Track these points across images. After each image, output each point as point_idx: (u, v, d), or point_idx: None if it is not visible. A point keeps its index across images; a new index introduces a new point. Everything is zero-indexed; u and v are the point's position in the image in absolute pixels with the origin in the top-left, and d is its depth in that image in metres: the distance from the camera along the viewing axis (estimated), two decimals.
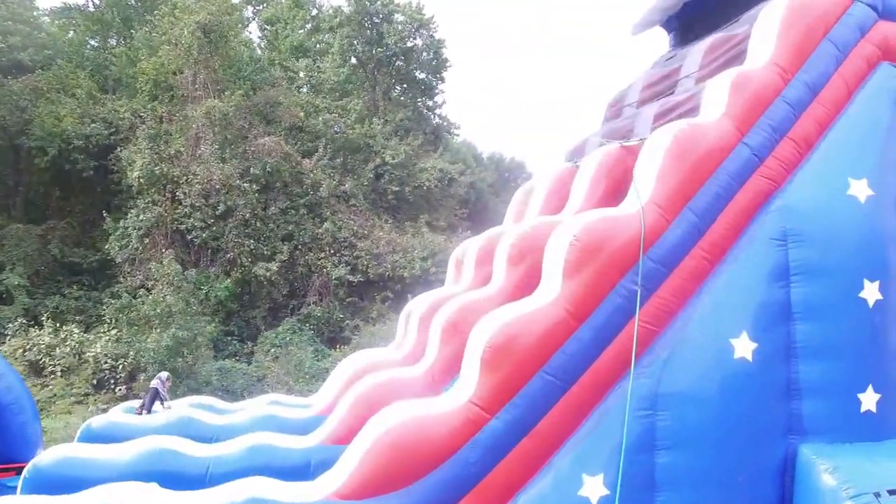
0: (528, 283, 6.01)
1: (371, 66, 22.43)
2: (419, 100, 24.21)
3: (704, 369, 4.77)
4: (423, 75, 23.62)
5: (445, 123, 24.85)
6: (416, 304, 7.02)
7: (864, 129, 5.52)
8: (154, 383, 7.17)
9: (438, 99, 24.13)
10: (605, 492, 4.46)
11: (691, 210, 4.97)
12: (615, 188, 6.30)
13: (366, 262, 17.51)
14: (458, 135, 26.02)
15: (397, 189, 20.26)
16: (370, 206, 20.00)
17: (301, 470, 5.35)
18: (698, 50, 6.74)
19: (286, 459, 5.45)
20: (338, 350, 14.73)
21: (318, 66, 23.44)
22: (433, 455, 4.27)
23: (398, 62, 22.83)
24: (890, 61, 5.76)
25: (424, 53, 23.00)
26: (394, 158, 20.11)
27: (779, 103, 5.31)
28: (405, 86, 23.72)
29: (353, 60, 22.69)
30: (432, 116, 24.58)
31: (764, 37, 5.53)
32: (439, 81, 23.68)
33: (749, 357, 4.85)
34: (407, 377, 6.33)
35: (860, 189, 5.27)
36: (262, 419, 6.51)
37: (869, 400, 5.19)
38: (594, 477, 4.48)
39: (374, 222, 18.95)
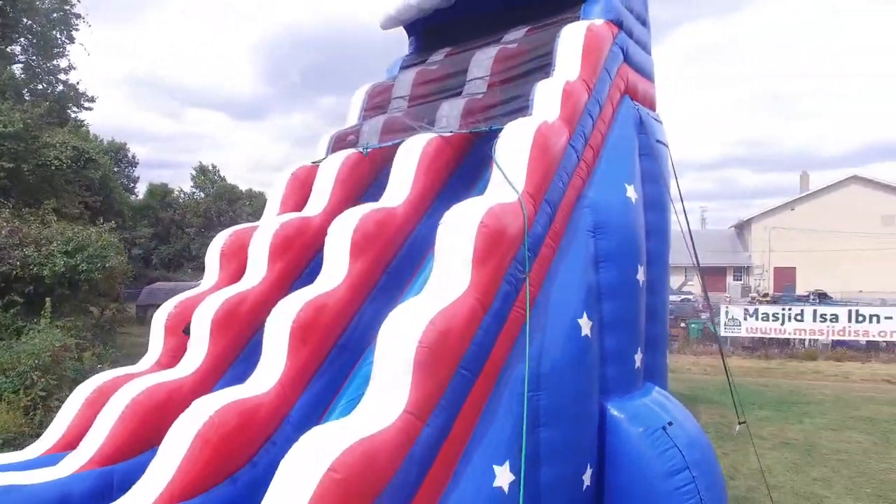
0: (370, 275, 5.60)
1: None
2: (34, 58, 19.16)
3: (564, 347, 5.20)
4: (41, 28, 18.73)
5: (74, 94, 20.22)
6: (203, 310, 5.67)
7: (625, 144, 6.78)
8: None
9: (64, 62, 19.51)
10: (511, 477, 4.48)
11: (547, 201, 5.37)
12: (439, 175, 6.32)
13: None
14: (90, 108, 21.48)
15: (11, 166, 15.69)
16: None
17: None
18: (485, 58, 7.21)
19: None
20: None
21: None
22: (377, 482, 3.58)
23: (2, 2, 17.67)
24: (629, 96, 7.22)
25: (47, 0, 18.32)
26: (5, 127, 15.52)
27: (585, 114, 6.14)
28: (16, 36, 18.46)
29: None
30: (55, 82, 19.73)
31: (570, 55, 6.29)
32: (67, 41, 19.13)
33: (589, 334, 5.49)
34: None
35: (632, 193, 6.48)
36: None
37: (638, 359, 6.45)
38: (502, 466, 4.46)
39: None
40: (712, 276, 46.71)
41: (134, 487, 4.19)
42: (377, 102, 8.31)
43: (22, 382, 10.05)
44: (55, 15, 18.58)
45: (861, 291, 34.79)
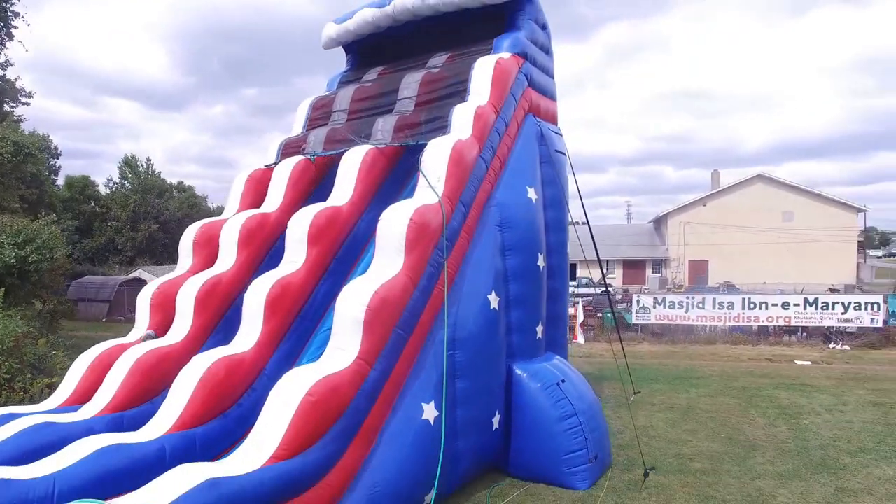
0: (323, 260, 6.92)
1: None
2: None
3: (476, 317, 6.70)
4: None
5: (11, 88, 20.11)
6: (186, 289, 6.86)
7: (528, 154, 8.32)
8: None
9: (1, 57, 19.40)
10: (436, 413, 5.94)
11: (462, 202, 6.84)
12: (376, 181, 7.68)
13: None
14: (27, 103, 21.33)
15: None
16: None
17: (153, 461, 5.01)
18: (413, 81, 8.61)
19: (140, 454, 4.97)
20: None
21: None
22: (339, 407, 4.97)
23: None
24: (532, 114, 8.77)
25: None
26: None
27: (494, 131, 7.64)
28: None
29: None
30: None
31: (481, 82, 7.77)
32: (6, 38, 19.06)
33: (497, 307, 7.01)
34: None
35: (532, 194, 8.03)
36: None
37: (539, 331, 8.02)
38: (429, 404, 5.91)
39: None
40: (633, 268, 49.94)
41: (153, 419, 5.41)
42: (319, 114, 9.57)
43: None
44: None
45: (766, 283, 37.94)
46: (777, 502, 6.99)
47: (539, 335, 7.97)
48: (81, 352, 14.12)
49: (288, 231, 6.88)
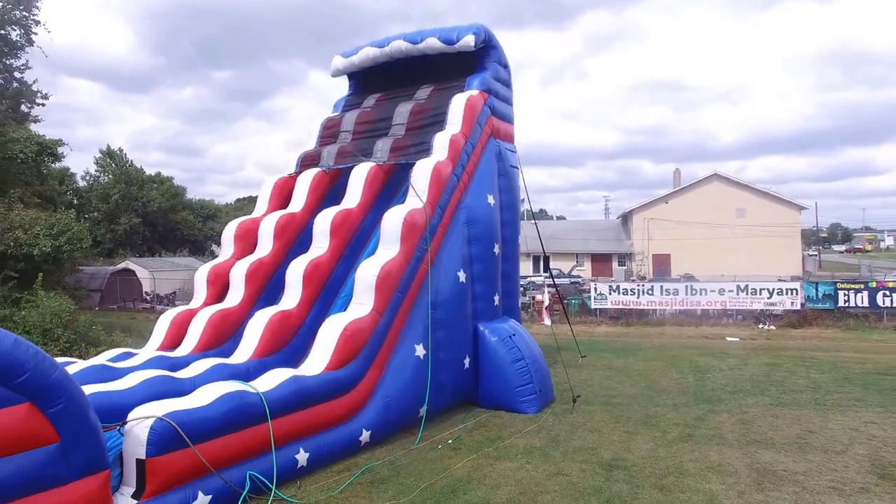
0: (341, 247, 9.55)
1: None
2: None
3: (450, 287, 9.40)
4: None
5: (27, 90, 21.85)
6: (238, 268, 9.46)
7: (488, 169, 11.00)
8: None
9: (21, 60, 21.14)
10: (424, 352, 8.62)
11: (439, 206, 9.51)
12: (377, 190, 10.32)
13: None
14: (43, 104, 23.00)
15: None
16: None
17: (245, 375, 7.62)
18: (404, 110, 11.26)
19: (236, 370, 7.61)
20: None
21: None
22: (363, 340, 7.65)
23: None
24: (494, 136, 11.45)
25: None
26: None
27: (463, 153, 10.32)
28: None
29: None
30: (10, 79, 21.35)
31: (455, 115, 10.45)
32: (26, 43, 20.88)
33: (464, 280, 9.71)
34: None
35: (491, 200, 10.72)
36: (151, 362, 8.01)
37: (497, 300, 10.73)
38: (419, 345, 8.59)
39: None
40: (601, 261, 53.07)
41: (237, 351, 8.00)
42: (329, 133, 12.15)
43: (48, 338, 13.05)
44: (15, 13, 20.03)
45: (723, 275, 40.89)
46: (665, 418, 9.83)
47: (497, 303, 10.70)
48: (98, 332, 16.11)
49: (315, 225, 9.51)
